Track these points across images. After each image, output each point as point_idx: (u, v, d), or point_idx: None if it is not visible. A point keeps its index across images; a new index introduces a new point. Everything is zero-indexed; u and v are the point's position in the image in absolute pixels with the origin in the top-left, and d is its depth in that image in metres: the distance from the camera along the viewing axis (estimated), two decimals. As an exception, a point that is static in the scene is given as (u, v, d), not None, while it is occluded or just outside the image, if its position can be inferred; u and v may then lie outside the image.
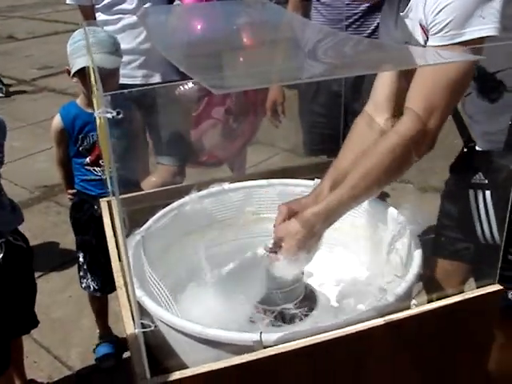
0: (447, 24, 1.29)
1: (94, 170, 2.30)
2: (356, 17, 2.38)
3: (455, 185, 1.65)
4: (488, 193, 1.48)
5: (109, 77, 2.12)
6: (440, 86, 1.29)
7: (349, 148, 1.50)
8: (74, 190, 2.37)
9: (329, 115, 2.47)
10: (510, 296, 1.58)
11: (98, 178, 2.30)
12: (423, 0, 1.34)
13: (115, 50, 2.19)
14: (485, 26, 1.27)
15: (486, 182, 1.47)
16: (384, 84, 1.55)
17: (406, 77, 1.54)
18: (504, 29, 1.30)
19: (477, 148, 1.59)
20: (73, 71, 2.14)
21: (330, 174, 1.46)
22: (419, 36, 1.42)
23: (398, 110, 1.49)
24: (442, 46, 1.30)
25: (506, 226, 1.31)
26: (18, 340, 2.25)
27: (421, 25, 1.38)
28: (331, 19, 2.41)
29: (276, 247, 1.33)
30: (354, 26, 2.39)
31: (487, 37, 1.28)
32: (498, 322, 1.63)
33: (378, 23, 2.35)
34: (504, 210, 1.39)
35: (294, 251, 1.28)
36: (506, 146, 1.49)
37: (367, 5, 2.34)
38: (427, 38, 1.38)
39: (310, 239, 1.29)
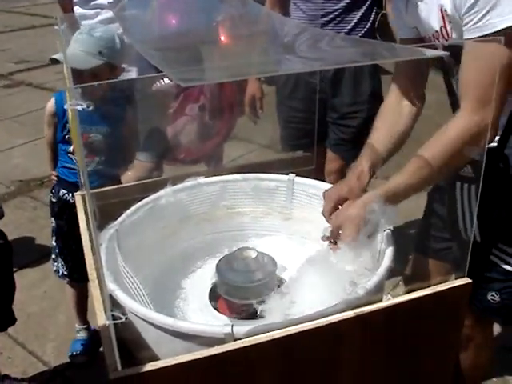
0: (487, 12, 1.28)
1: (76, 159, 2.30)
2: (336, 13, 2.38)
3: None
4: (473, 187, 1.51)
5: (88, 77, 2.10)
6: (494, 77, 1.25)
7: (382, 127, 1.59)
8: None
9: (306, 110, 2.48)
10: (489, 297, 1.60)
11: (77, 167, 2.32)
12: None
13: (97, 52, 2.15)
14: None
15: (473, 175, 1.49)
16: (401, 75, 1.64)
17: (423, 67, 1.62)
18: None
19: None
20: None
21: (366, 153, 1.53)
22: (435, 20, 1.43)
23: (420, 93, 1.63)
24: (483, 36, 1.30)
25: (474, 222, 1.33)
26: None
27: (442, 10, 1.39)
28: (311, 15, 2.42)
29: (334, 236, 1.36)
30: (335, 22, 2.40)
31: None
32: (476, 323, 1.66)
33: (358, 20, 2.38)
34: (487, 207, 1.43)
35: (356, 234, 1.32)
36: (498, 143, 1.50)
37: (347, 1, 2.36)
38: (444, 23, 1.40)
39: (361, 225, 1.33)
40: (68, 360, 2.49)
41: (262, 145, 4.00)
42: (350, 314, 1.14)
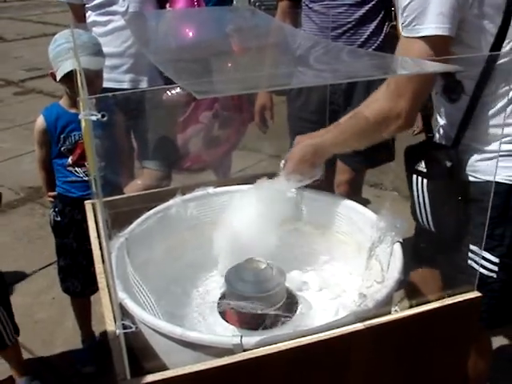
0: (413, 19, 1.42)
1: (76, 171, 2.29)
2: (349, 25, 2.37)
3: (404, 169, 1.75)
4: (425, 181, 1.60)
5: (93, 78, 2.13)
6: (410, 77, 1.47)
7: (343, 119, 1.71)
8: (55, 193, 2.36)
9: (318, 122, 2.48)
10: None
11: (79, 179, 2.30)
12: None
13: (98, 50, 2.20)
14: (442, 24, 1.39)
15: (425, 170, 1.60)
16: None
17: None
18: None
19: (434, 140, 1.72)
20: (60, 75, 2.13)
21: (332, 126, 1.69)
22: None
23: None
24: (407, 37, 1.45)
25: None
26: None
27: None
28: (323, 27, 2.41)
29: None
30: (348, 35, 2.39)
31: (445, 36, 1.40)
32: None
33: (371, 33, 2.38)
34: (440, 201, 1.59)
35: (290, 172, 1.59)
36: (452, 143, 1.59)
37: (360, 14, 2.35)
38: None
39: (302, 164, 1.59)
40: (75, 367, 2.50)
41: (271, 155, 4.00)
42: (359, 326, 1.13)
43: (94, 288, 2.32)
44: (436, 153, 1.61)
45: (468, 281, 1.30)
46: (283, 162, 1.64)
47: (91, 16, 2.67)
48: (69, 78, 2.07)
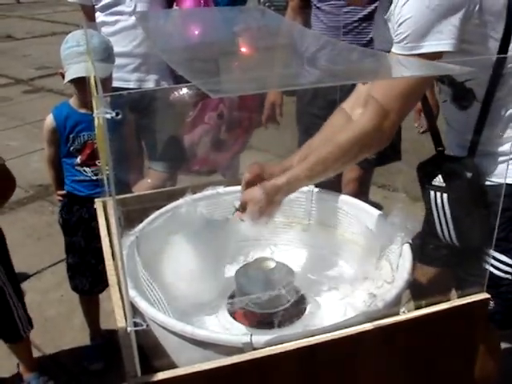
0: (406, 36, 1.38)
1: (84, 170, 2.30)
2: (356, 24, 2.40)
3: (420, 186, 1.72)
4: (445, 196, 1.56)
5: (101, 81, 2.13)
6: (397, 92, 1.40)
7: (324, 131, 1.62)
8: (64, 192, 2.37)
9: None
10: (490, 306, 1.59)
11: (88, 178, 2.30)
12: (393, 6, 1.43)
13: (107, 55, 2.20)
14: (441, 41, 1.37)
15: (444, 185, 1.56)
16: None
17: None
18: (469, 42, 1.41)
19: (446, 152, 1.67)
20: (67, 79, 2.14)
21: (302, 150, 1.57)
22: None
23: None
24: (402, 54, 1.40)
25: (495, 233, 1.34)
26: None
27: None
28: (331, 26, 2.43)
29: (242, 208, 1.48)
30: (353, 33, 2.42)
31: (446, 52, 1.37)
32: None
33: None
34: (463, 214, 1.53)
35: (255, 216, 1.44)
36: (468, 153, 1.56)
37: (365, 13, 2.37)
38: None
39: (269, 206, 1.44)
40: (83, 364, 2.51)
41: (279, 155, 4.00)
42: (368, 326, 1.14)
43: (103, 286, 2.34)
44: (453, 165, 1.56)
45: (477, 282, 1.29)
46: (237, 203, 1.51)
47: (100, 16, 2.70)
48: (77, 81, 2.09)
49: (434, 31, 1.36)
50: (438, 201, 1.57)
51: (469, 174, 1.52)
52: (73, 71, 2.10)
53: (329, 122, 1.64)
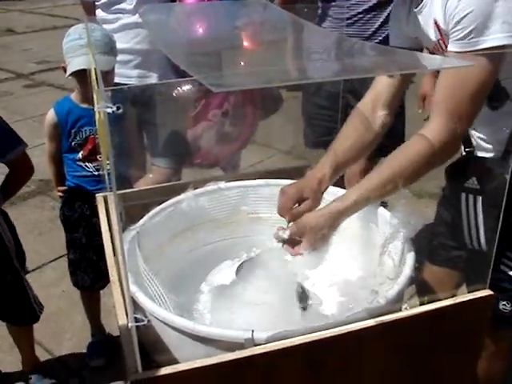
0: (471, 31, 1.29)
1: (86, 165, 2.30)
2: (361, 15, 2.42)
3: (449, 188, 1.66)
4: (479, 198, 1.49)
5: (103, 75, 2.12)
6: (467, 94, 1.31)
7: (348, 134, 1.56)
8: (65, 187, 2.37)
9: (331, 108, 2.49)
10: (500, 306, 1.58)
11: (89, 174, 2.30)
12: (443, 0, 1.34)
13: (110, 49, 2.19)
14: (507, 33, 1.28)
15: (479, 187, 1.49)
16: (386, 82, 1.59)
17: (405, 79, 1.60)
18: None
19: (475, 153, 1.60)
20: (68, 72, 2.13)
21: (329, 158, 1.51)
22: (431, 32, 1.44)
23: (394, 108, 1.61)
24: (463, 52, 1.32)
25: (498, 234, 1.32)
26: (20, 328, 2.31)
27: (436, 23, 1.40)
28: (337, 19, 2.45)
29: (293, 240, 1.37)
30: (358, 25, 2.44)
31: (509, 45, 1.29)
32: (488, 333, 1.64)
33: (382, 22, 2.39)
34: (494, 218, 1.41)
35: (318, 245, 1.35)
36: (503, 154, 1.50)
37: (370, 4, 2.38)
38: (441, 36, 1.40)
39: (333, 233, 1.37)
40: (84, 360, 2.51)
41: (281, 150, 4.00)
42: (371, 322, 1.13)
43: (104, 283, 2.34)
44: (488, 167, 1.51)
45: (481, 279, 1.29)
46: (286, 234, 1.41)
47: (100, 13, 2.70)
48: (78, 74, 2.09)
49: (499, 22, 1.27)
50: (471, 203, 1.51)
51: (507, 176, 1.43)
52: (75, 64, 2.10)
53: (349, 125, 1.59)
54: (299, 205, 1.47)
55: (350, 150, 1.53)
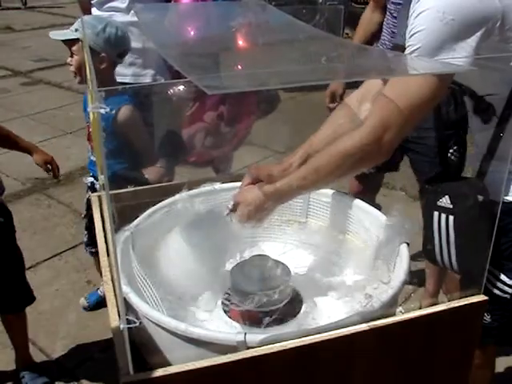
0: (416, 49, 1.30)
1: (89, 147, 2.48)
2: None
3: (425, 200, 1.65)
4: (451, 218, 1.47)
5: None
6: (401, 105, 1.30)
7: (328, 126, 1.55)
8: None
9: None
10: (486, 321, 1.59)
11: (89, 155, 2.49)
12: (410, 11, 1.35)
13: (98, 31, 2.28)
14: (454, 59, 1.27)
15: (451, 206, 1.47)
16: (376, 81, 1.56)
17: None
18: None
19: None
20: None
21: (303, 148, 1.51)
22: None
23: None
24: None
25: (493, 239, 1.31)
26: (15, 317, 2.31)
27: None
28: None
29: (234, 208, 1.47)
30: None
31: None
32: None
33: None
34: (468, 240, 1.45)
35: (244, 219, 1.43)
36: (477, 173, 1.50)
37: None
38: None
39: (259, 212, 1.42)
40: (77, 358, 2.50)
41: (277, 151, 3.99)
42: (363, 326, 1.13)
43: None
44: (462, 186, 1.49)
45: (475, 284, 1.29)
46: (231, 204, 1.48)
47: (95, 12, 2.73)
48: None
49: (446, 48, 1.27)
50: (442, 223, 1.49)
51: (480, 198, 1.44)
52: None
53: (332, 119, 1.58)
54: None
55: (325, 141, 1.48)
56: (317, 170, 1.36)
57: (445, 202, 1.48)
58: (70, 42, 2.30)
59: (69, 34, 2.30)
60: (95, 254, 2.58)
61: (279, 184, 1.38)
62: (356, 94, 1.60)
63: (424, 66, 1.27)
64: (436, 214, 1.49)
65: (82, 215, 2.68)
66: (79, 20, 2.31)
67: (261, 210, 1.41)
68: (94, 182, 2.48)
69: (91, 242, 2.61)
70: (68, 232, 3.50)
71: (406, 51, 1.33)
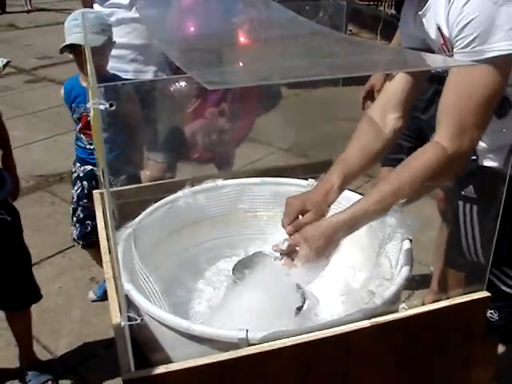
0: (473, 39, 1.24)
1: (81, 137, 2.54)
2: None
3: (450, 194, 1.64)
4: (475, 207, 1.45)
5: (95, 50, 2.21)
6: (474, 105, 1.25)
7: (357, 142, 1.50)
8: None
9: (409, 127, 2.45)
10: (488, 314, 1.58)
11: (82, 145, 2.56)
12: (446, 5, 1.29)
13: (100, 30, 2.33)
14: None
15: (476, 196, 1.44)
16: (396, 87, 1.54)
17: (418, 84, 1.53)
18: None
19: (479, 163, 1.56)
20: (62, 47, 2.34)
21: (338, 168, 1.45)
22: (433, 36, 1.40)
23: (406, 113, 1.53)
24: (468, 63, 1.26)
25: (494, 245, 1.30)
26: (20, 314, 2.30)
27: (439, 29, 1.35)
28: None
29: (291, 251, 1.31)
30: None
31: None
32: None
33: None
34: (491, 226, 1.37)
35: (312, 257, 1.27)
36: (504, 163, 1.47)
37: None
38: (443, 41, 1.36)
39: (328, 246, 1.28)
40: (80, 356, 2.50)
41: (281, 148, 3.99)
42: (365, 323, 1.12)
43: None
44: (487, 176, 1.46)
45: (478, 281, 1.28)
46: (284, 245, 1.34)
47: (98, 8, 2.71)
48: (73, 49, 2.32)
49: (506, 29, 1.20)
50: (467, 212, 1.47)
51: (502, 188, 1.38)
52: (67, 40, 2.31)
53: (357, 134, 1.52)
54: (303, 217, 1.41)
55: (358, 158, 1.46)
56: (397, 190, 1.26)
57: (469, 191, 1.45)
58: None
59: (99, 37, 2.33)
60: (88, 247, 2.65)
61: (351, 212, 1.29)
62: (377, 105, 1.57)
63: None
64: (461, 203, 1.47)
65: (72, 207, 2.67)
66: (74, 13, 2.36)
67: (331, 243, 1.28)
68: (94, 169, 2.52)
69: (84, 234, 2.62)
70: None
71: (459, 45, 1.27)
